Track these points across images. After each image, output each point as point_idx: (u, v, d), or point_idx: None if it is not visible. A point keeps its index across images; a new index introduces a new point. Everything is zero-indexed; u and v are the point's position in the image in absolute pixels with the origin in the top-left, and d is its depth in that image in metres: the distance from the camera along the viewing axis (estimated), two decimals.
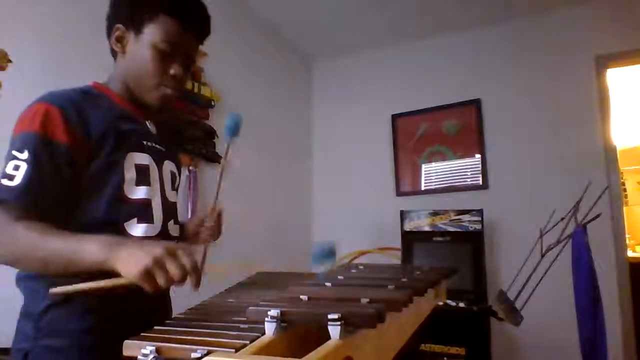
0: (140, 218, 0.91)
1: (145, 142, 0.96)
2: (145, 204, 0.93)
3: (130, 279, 0.70)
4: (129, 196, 0.90)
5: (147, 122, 1.02)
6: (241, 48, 3.03)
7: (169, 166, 1.03)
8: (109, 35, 0.98)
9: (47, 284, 0.82)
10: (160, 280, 0.69)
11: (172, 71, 0.95)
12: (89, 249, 0.73)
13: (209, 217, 1.09)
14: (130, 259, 0.70)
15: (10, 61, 1.65)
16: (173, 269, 0.69)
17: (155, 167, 0.97)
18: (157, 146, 1.00)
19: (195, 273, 0.71)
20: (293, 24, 3.34)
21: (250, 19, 3.15)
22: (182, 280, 0.70)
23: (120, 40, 0.96)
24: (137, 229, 0.90)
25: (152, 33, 0.92)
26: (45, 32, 1.84)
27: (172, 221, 1.01)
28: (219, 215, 1.12)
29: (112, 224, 0.87)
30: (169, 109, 1.02)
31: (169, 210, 1.00)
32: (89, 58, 2.02)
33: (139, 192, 0.91)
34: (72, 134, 0.83)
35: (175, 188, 1.06)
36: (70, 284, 0.76)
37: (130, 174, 0.90)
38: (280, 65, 3.54)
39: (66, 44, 1.90)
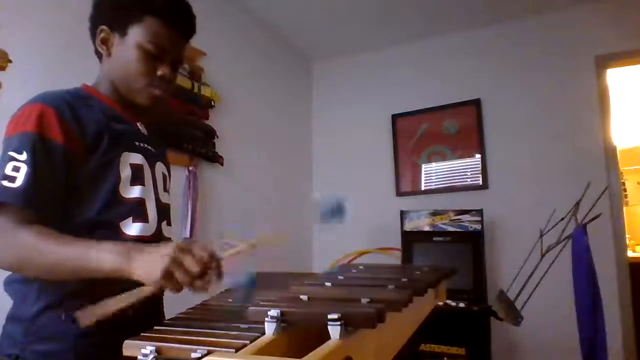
0: (135, 217, 0.91)
1: (137, 143, 0.96)
2: (140, 203, 0.92)
3: (152, 285, 0.70)
4: (124, 195, 0.89)
5: (137, 123, 1.02)
6: (241, 48, 3.03)
7: (160, 167, 1.03)
8: (93, 36, 0.98)
9: (39, 287, 0.83)
10: (181, 278, 0.69)
11: (159, 72, 0.94)
12: (106, 257, 0.73)
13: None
14: (148, 264, 0.70)
15: (10, 61, 1.65)
16: (191, 265, 0.69)
17: (148, 168, 0.97)
18: (149, 147, 1.00)
19: (215, 264, 0.72)
20: (293, 24, 3.33)
21: (251, 19, 3.15)
22: (203, 273, 0.70)
23: (105, 42, 0.95)
24: (132, 228, 0.90)
25: (137, 34, 0.92)
26: (45, 32, 1.84)
27: (165, 222, 1.01)
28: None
29: (107, 223, 0.87)
30: (160, 109, 1.02)
31: (162, 211, 0.99)
32: (89, 58, 2.02)
33: (134, 192, 0.91)
34: (67, 134, 0.83)
35: (166, 189, 1.05)
36: (64, 290, 0.75)
37: (125, 173, 0.90)
38: (280, 65, 3.54)
39: (66, 44, 1.89)
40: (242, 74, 3.01)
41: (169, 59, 0.95)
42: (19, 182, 0.77)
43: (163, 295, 1.01)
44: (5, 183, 0.77)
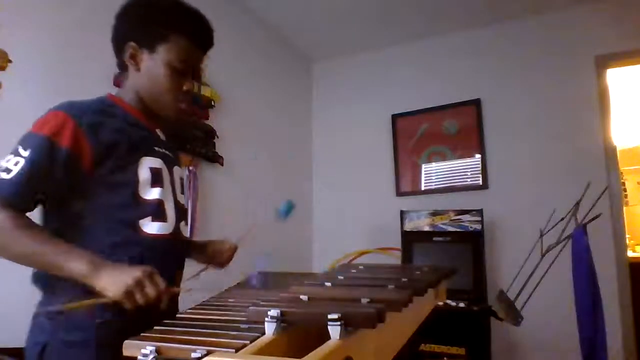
0: (155, 217, 0.98)
1: (156, 148, 1.03)
2: (159, 204, 0.99)
3: (111, 297, 0.80)
4: (144, 197, 0.97)
5: (157, 130, 1.09)
6: (242, 48, 3.03)
7: (177, 171, 1.10)
8: (118, 50, 1.04)
9: (64, 281, 0.88)
10: (139, 298, 0.80)
11: (185, 87, 1.03)
12: (74, 263, 0.82)
13: (227, 251, 1.18)
14: (113, 279, 0.81)
15: (10, 61, 1.65)
16: (150, 289, 0.81)
17: (167, 171, 1.04)
18: (167, 152, 1.07)
19: (168, 294, 0.85)
20: (293, 24, 3.33)
21: (251, 19, 3.14)
22: (157, 299, 0.82)
23: (133, 57, 1.02)
24: (152, 227, 0.97)
25: (166, 52, 1.00)
26: (45, 32, 1.84)
27: (183, 222, 1.07)
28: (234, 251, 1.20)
29: (126, 222, 0.94)
30: (181, 119, 1.10)
31: (180, 211, 1.06)
32: (89, 58, 2.02)
33: (153, 193, 0.98)
34: (77, 140, 0.89)
35: (183, 192, 1.12)
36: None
37: (144, 176, 0.97)
38: (280, 66, 3.54)
39: (66, 44, 1.90)
40: (242, 74, 3.01)
41: (192, 74, 1.05)
42: (11, 175, 0.85)
43: (179, 293, 1.09)
44: (3, 175, 0.85)
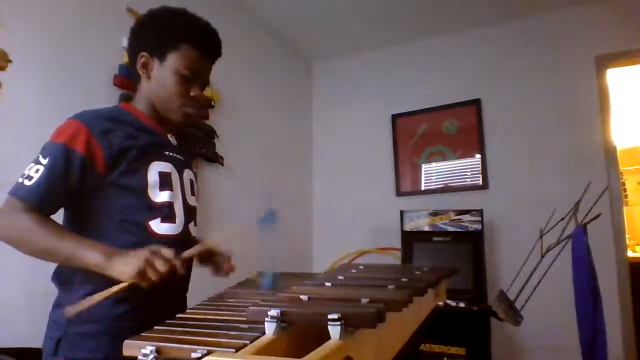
0: (164, 218, 1.03)
1: (167, 153, 1.08)
2: (169, 206, 1.04)
3: (127, 281, 0.84)
4: (154, 199, 1.02)
5: (168, 136, 1.14)
6: (242, 48, 3.03)
7: (188, 174, 1.14)
8: (132, 60, 1.10)
9: (80, 279, 0.96)
10: (152, 275, 0.84)
11: (192, 93, 1.08)
12: (90, 254, 0.88)
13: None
14: (124, 264, 0.85)
15: (10, 61, 1.65)
16: (160, 264, 0.85)
17: (177, 174, 1.08)
18: (178, 156, 1.12)
19: (180, 262, 0.89)
20: (293, 25, 3.33)
21: (251, 19, 3.14)
22: (169, 270, 0.86)
23: (145, 66, 1.08)
24: (161, 227, 1.02)
25: (175, 60, 1.05)
26: (45, 32, 1.84)
27: (192, 223, 1.12)
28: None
29: (138, 222, 1.00)
30: (192, 125, 1.12)
31: (189, 212, 1.11)
32: (89, 58, 2.03)
33: (163, 196, 1.03)
34: (90, 146, 0.95)
35: (193, 193, 1.16)
36: (102, 281, 0.88)
37: (153, 179, 1.02)
38: (280, 66, 3.54)
39: (66, 44, 1.90)
40: (242, 73, 3.00)
41: (200, 81, 1.09)
42: (33, 181, 0.92)
43: (187, 289, 1.13)
44: (26, 182, 0.93)
